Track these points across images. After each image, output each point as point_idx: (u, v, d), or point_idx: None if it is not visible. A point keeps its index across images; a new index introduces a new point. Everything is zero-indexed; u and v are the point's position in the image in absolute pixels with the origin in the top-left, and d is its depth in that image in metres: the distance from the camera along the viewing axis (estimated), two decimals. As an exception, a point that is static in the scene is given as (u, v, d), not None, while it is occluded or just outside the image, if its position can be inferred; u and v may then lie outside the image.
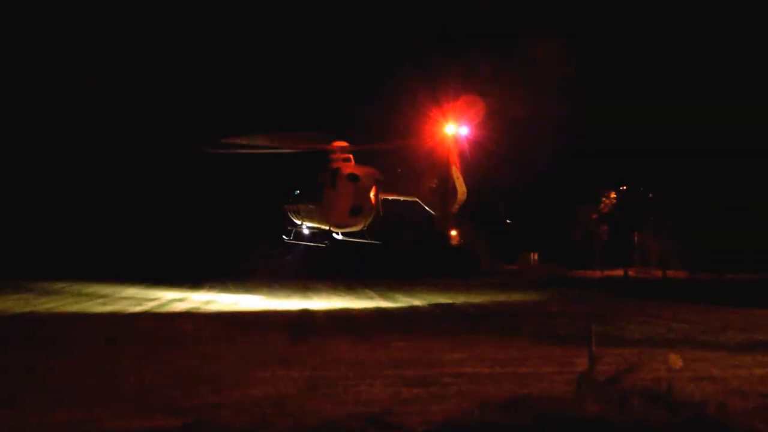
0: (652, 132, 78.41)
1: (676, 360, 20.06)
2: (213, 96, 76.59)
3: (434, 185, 35.79)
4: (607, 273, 79.44)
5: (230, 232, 77.99)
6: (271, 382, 17.71)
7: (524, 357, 21.91)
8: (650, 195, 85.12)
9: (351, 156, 37.59)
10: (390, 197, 37.64)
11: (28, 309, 38.38)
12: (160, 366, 20.17)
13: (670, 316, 34.46)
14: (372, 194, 36.76)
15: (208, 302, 43.49)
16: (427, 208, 36.66)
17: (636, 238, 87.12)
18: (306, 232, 40.40)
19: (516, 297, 48.01)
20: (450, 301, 44.54)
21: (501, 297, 48.10)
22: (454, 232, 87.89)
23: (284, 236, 41.67)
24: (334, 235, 38.83)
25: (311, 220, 39.14)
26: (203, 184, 76.71)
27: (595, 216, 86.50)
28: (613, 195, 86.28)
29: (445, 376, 18.56)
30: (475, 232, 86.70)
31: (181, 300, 44.64)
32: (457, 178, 34.92)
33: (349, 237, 39.21)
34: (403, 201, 37.89)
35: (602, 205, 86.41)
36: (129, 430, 13.39)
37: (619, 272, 79.03)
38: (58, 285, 54.70)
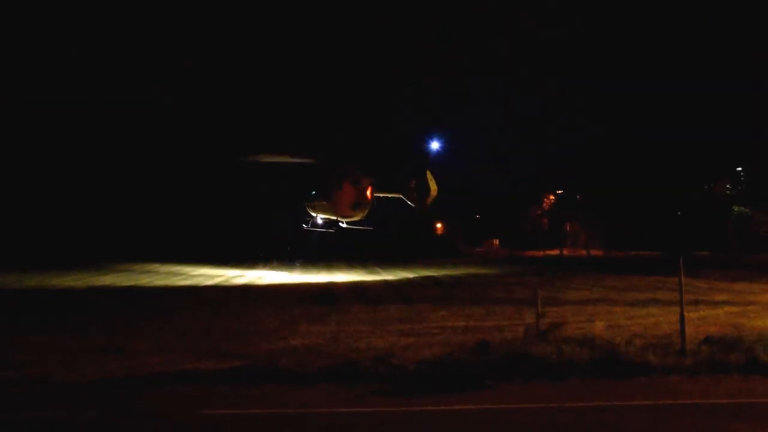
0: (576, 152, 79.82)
1: (593, 312, 20.67)
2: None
3: (413, 185, 35.97)
4: (547, 253, 79.49)
5: (272, 224, 77.91)
6: (306, 335, 17.75)
7: (490, 314, 21.89)
8: (578, 197, 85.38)
9: (352, 166, 37.77)
10: (381, 195, 37.85)
11: (130, 283, 38.49)
12: (225, 324, 20.22)
13: (591, 283, 34.48)
14: (368, 192, 36.98)
15: (259, 278, 43.51)
16: (408, 202, 36.83)
17: (568, 227, 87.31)
18: (319, 221, 40.66)
19: (483, 271, 47.98)
20: (434, 274, 44.62)
21: (472, 271, 48.11)
22: (439, 225, 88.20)
23: (304, 225, 41.91)
24: (340, 223, 39.15)
25: (323, 212, 39.43)
26: (250, 190, 76.65)
27: (539, 212, 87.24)
28: (551, 197, 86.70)
29: (433, 329, 18.57)
30: (454, 224, 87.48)
31: (239, 276, 44.70)
32: (431, 179, 35.10)
33: (351, 225, 39.46)
34: (391, 197, 38.12)
35: (544, 204, 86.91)
36: (203, 369, 13.42)
37: (556, 252, 79.12)
38: (151, 266, 54.79)
